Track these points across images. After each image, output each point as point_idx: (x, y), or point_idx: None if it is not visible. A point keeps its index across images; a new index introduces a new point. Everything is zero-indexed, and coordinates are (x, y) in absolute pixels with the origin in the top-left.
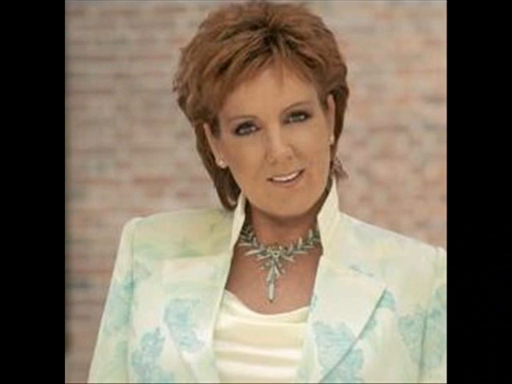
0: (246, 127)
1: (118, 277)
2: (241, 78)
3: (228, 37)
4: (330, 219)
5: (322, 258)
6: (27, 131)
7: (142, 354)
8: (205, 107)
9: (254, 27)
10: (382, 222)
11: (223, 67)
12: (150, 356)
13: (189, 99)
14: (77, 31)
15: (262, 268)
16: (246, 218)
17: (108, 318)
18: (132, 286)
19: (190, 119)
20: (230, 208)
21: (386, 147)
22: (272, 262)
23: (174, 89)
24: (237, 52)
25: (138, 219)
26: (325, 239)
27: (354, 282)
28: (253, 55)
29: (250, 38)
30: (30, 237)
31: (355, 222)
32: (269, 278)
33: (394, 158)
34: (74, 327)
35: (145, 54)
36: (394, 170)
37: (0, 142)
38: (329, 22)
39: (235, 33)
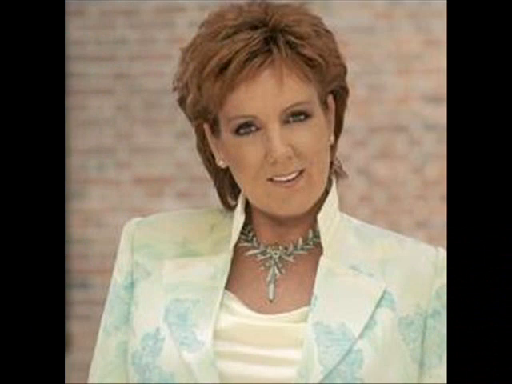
0: (246, 127)
1: (118, 277)
2: (241, 78)
3: (228, 37)
4: (329, 219)
5: (322, 258)
6: (27, 131)
7: (142, 354)
8: (205, 107)
9: (254, 27)
10: (382, 222)
11: (223, 67)
12: (149, 356)
13: (189, 99)
14: (77, 31)
15: (262, 268)
16: (246, 218)
17: (108, 318)
18: (132, 285)
19: (189, 119)
20: (230, 208)
21: (386, 147)
22: (272, 261)
23: (174, 89)
24: (237, 52)
25: (138, 219)
26: (325, 239)
27: (354, 282)
28: (253, 55)
29: (249, 37)
30: (30, 237)
31: (355, 221)
32: (269, 278)
33: (394, 158)
34: (74, 327)
35: (145, 54)
36: (394, 170)
37: (0, 142)
38: (329, 22)
39: (235, 33)
